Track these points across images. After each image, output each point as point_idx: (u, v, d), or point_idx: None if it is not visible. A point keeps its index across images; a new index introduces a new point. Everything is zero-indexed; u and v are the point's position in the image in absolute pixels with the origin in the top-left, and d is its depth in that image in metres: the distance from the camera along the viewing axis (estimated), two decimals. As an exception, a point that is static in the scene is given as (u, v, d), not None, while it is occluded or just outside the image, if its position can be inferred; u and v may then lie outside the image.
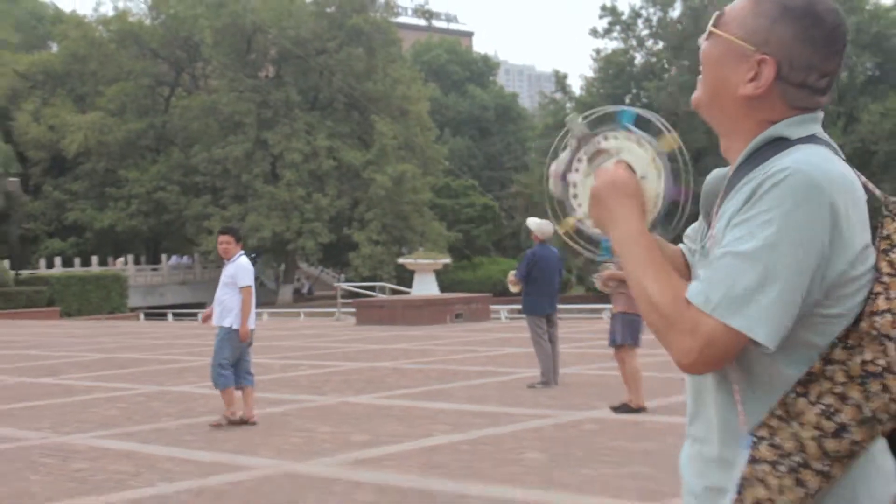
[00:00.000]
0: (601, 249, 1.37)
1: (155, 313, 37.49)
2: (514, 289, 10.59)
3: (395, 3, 48.93)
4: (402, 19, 53.59)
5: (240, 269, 8.73)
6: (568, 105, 47.36)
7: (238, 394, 8.52)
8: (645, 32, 47.59)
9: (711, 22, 1.33)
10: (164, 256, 45.75)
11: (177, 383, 11.24)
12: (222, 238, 9.02)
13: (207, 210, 42.00)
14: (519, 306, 12.26)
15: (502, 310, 25.76)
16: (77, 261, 40.92)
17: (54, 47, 51.48)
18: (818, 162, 1.20)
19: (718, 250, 1.23)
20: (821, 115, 1.31)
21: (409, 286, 27.11)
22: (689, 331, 1.19)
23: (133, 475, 6.44)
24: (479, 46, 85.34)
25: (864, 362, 1.21)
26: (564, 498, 5.70)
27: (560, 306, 11.63)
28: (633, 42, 47.90)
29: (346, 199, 43.85)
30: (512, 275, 10.54)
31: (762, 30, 1.27)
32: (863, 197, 1.24)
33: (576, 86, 50.49)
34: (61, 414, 9.50)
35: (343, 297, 31.00)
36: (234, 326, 8.53)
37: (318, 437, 8.01)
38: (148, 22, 46.68)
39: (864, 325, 1.22)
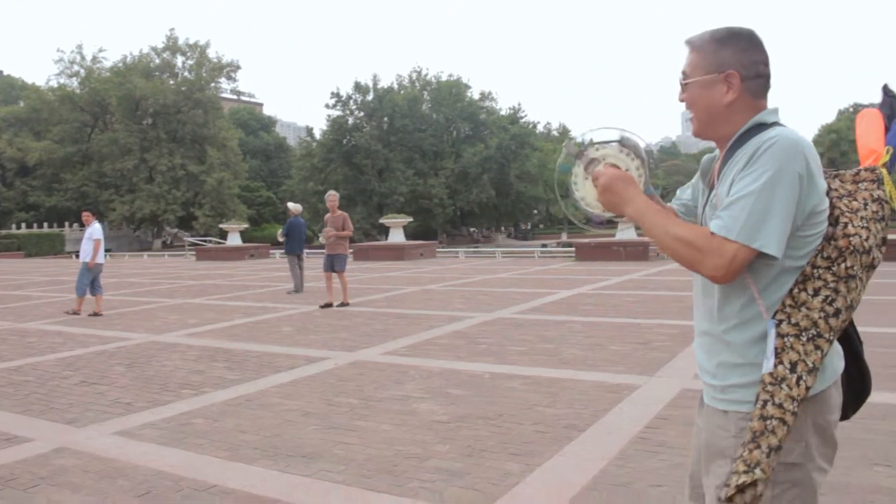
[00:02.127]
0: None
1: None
2: (280, 239, 15.96)
3: (219, 87, 69.54)
4: (224, 95, 72.03)
5: (94, 230, 12.61)
6: (314, 144, 71.75)
7: (92, 298, 12.69)
8: (353, 107, 72.22)
9: (681, 81, 1.89)
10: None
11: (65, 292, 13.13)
12: (85, 213, 13.05)
13: (112, 198, 61.45)
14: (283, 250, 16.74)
15: (277, 253, 32.18)
16: (35, 225, 59.70)
17: (21, 103, 70.16)
18: (792, 132, 1.71)
19: (730, 197, 1.70)
20: (778, 110, 1.81)
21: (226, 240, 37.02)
22: (717, 254, 1.67)
23: (62, 343, 9.02)
24: (267, 110, 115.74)
25: (847, 267, 1.72)
26: (300, 351, 8.07)
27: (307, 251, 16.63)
28: (348, 112, 72.14)
29: (191, 192, 62.81)
30: (279, 232, 16.04)
31: (713, 60, 1.83)
32: (818, 156, 1.71)
33: (318, 133, 75.32)
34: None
35: (189, 245, 47.74)
36: (87, 261, 12.44)
37: (168, 321, 10.97)
38: (79, 91, 65.32)
39: (841, 242, 1.73)
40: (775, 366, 1.70)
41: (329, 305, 12.56)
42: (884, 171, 1.90)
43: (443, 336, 9.30)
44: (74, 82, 67.26)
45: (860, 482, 3.87)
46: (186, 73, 68.00)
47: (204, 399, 6.38)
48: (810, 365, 1.71)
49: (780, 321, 1.73)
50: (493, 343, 8.65)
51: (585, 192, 2.00)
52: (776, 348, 1.71)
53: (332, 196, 13.50)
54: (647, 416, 5.38)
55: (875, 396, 2.11)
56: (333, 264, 12.86)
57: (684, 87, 1.90)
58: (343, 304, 12.58)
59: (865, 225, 1.76)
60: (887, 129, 2.12)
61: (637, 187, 1.88)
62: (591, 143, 1.99)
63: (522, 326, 9.91)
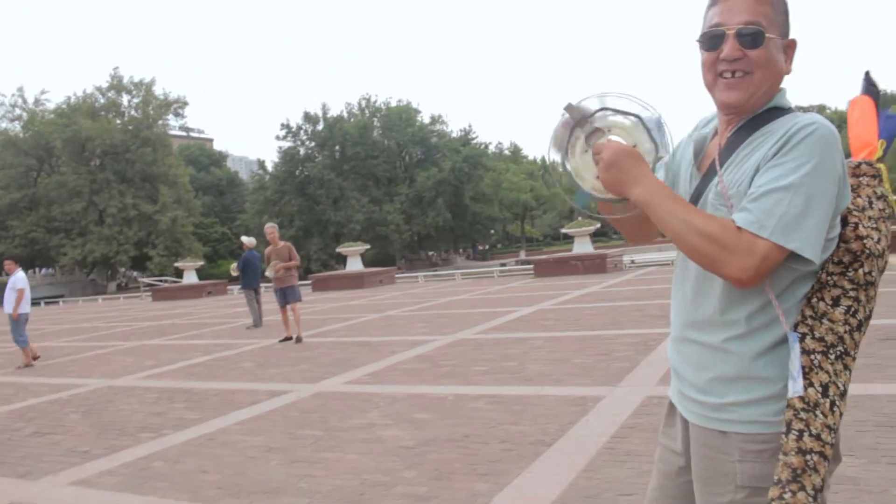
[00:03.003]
0: (622, 210, 1.69)
1: (32, 302, 58.80)
2: (234, 273, 15.73)
3: (167, 124, 68.76)
4: (172, 132, 71.38)
5: (17, 279, 12.06)
6: (267, 177, 71.53)
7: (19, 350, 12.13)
8: (304, 137, 72.04)
9: (757, 37, 1.56)
10: (36, 270, 65.19)
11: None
12: (7, 263, 12.36)
13: (62, 242, 59.98)
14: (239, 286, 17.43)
15: (234, 289, 31.92)
16: None
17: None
18: (826, 121, 1.51)
19: (760, 187, 1.48)
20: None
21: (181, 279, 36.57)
22: (747, 252, 1.44)
23: (13, 394, 8.77)
24: (217, 145, 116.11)
25: (865, 273, 1.55)
26: (261, 385, 7.98)
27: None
28: (299, 142, 71.97)
29: (144, 232, 61.35)
30: (233, 267, 15.78)
31: (784, 22, 1.61)
32: None
33: (270, 166, 74.94)
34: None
35: (144, 287, 45.60)
36: (10, 312, 11.80)
37: (125, 364, 10.81)
38: (22, 135, 64.12)
39: (854, 245, 1.55)
40: (805, 388, 1.50)
41: (288, 339, 12.38)
42: (882, 166, 1.75)
43: (405, 361, 9.23)
44: (17, 126, 66.39)
45: (826, 478, 3.84)
46: (133, 112, 67.22)
47: (164, 441, 6.22)
48: (841, 388, 1.53)
49: (804, 335, 1.53)
50: (456, 365, 8.60)
51: (581, 166, 1.69)
52: (804, 367, 1.51)
53: (271, 228, 13.04)
54: (614, 426, 5.37)
55: None
56: (286, 297, 12.58)
57: (755, 40, 1.58)
58: (297, 339, 12.22)
59: (875, 225, 1.59)
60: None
61: (648, 166, 1.60)
62: (598, 110, 1.67)
63: (484, 346, 9.88)
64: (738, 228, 1.47)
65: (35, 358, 12.12)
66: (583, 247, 25.70)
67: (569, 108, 1.66)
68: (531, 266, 28.09)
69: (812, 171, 1.47)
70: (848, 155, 1.88)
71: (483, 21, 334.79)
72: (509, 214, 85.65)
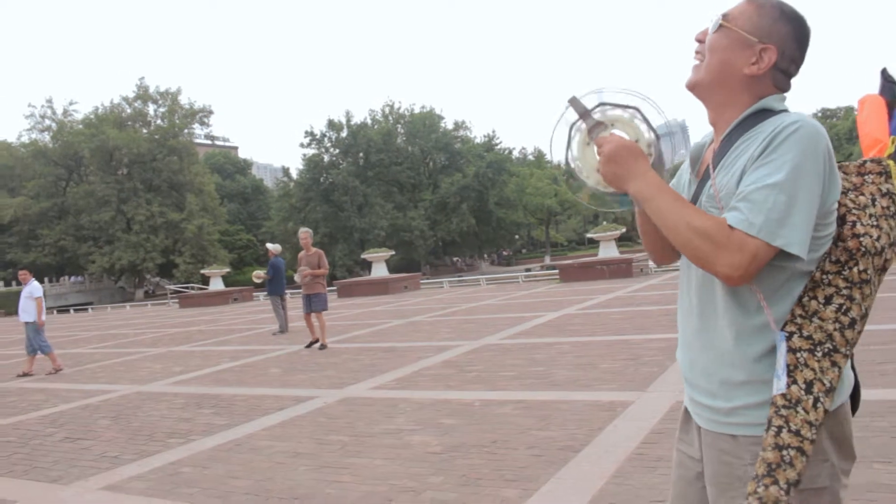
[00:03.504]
0: (620, 203, 1.69)
1: (62, 309, 53.85)
2: (257, 280, 15.72)
3: (193, 133, 69.40)
4: (198, 140, 71.57)
5: (33, 288, 12.32)
6: (292, 184, 71.79)
7: (41, 357, 12.73)
8: (328, 144, 72.16)
9: (718, 19, 1.65)
10: (65, 277, 65.55)
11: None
12: (21, 273, 12.90)
13: (91, 250, 61.46)
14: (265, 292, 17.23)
15: (260, 295, 33.74)
16: (13, 283, 58.11)
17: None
18: (813, 120, 1.53)
19: (747, 186, 1.50)
20: (785, 98, 1.66)
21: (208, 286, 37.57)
22: (737, 249, 1.46)
23: (44, 400, 8.79)
24: (242, 153, 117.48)
25: (860, 271, 1.54)
26: (288, 391, 8.06)
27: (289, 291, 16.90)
28: (323, 149, 72.06)
29: (171, 240, 62.47)
30: (256, 273, 15.78)
31: (766, 26, 1.61)
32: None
33: (294, 173, 75.41)
34: None
35: (171, 293, 48.40)
36: (33, 320, 12.08)
37: (153, 370, 10.92)
38: (51, 145, 65.06)
39: (850, 243, 1.55)
40: (788, 385, 1.52)
41: (314, 342, 12.37)
42: (890, 162, 1.71)
43: (432, 367, 9.21)
44: (46, 136, 67.39)
45: (859, 480, 3.81)
46: (159, 121, 67.99)
47: (192, 447, 6.24)
48: (827, 384, 1.53)
49: (791, 334, 1.55)
50: (482, 370, 8.57)
51: (582, 159, 1.71)
52: (788, 365, 1.53)
53: (304, 233, 13.03)
54: (643, 431, 5.31)
55: (869, 394, 2.06)
56: (312, 304, 12.51)
57: (721, 26, 1.67)
58: (321, 346, 12.14)
59: (875, 223, 1.59)
60: (890, 117, 1.97)
61: (647, 162, 1.62)
62: (602, 104, 1.68)
63: (511, 351, 9.83)
64: (731, 227, 1.49)
65: (57, 370, 12.35)
66: (608, 251, 25.57)
67: (572, 101, 1.67)
68: (556, 271, 27.92)
69: (796, 168, 1.48)
70: (852, 143, 1.83)
71: (508, 27, 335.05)
72: (534, 220, 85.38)
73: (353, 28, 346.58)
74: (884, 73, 2.04)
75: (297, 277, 12.76)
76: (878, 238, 1.57)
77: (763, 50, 1.64)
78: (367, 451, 5.51)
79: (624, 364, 8.05)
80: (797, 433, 1.49)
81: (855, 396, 1.72)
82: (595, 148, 1.67)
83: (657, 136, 1.66)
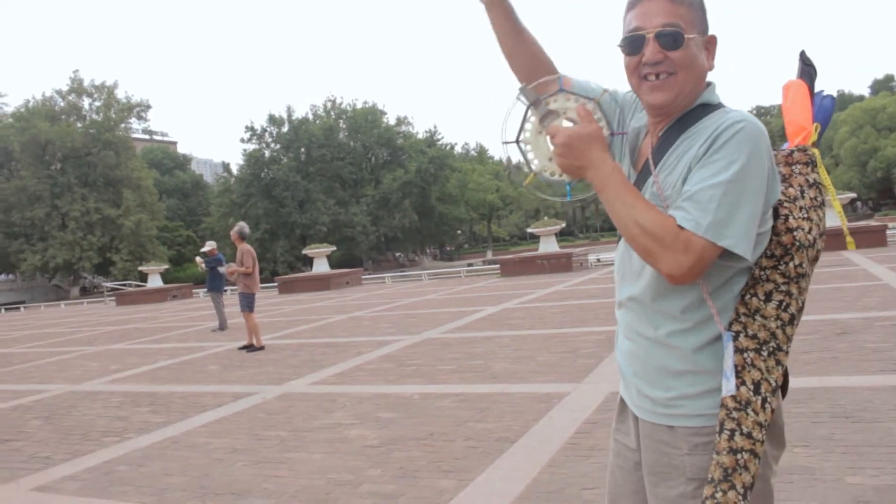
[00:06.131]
0: (567, 194, 1.65)
1: None
2: (201, 268, 15.28)
3: (130, 127, 67.24)
4: (135, 135, 69.81)
5: None
6: (232, 179, 70.53)
7: None
8: (269, 139, 71.56)
9: (677, 38, 1.57)
10: None
11: None
12: None
13: (23, 248, 58.69)
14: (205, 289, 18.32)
15: (200, 292, 33.86)
16: None
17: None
18: (752, 117, 1.52)
19: (694, 186, 1.49)
20: (716, 87, 1.65)
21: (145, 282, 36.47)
22: (682, 249, 1.45)
23: None
24: (181, 148, 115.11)
25: (796, 266, 1.55)
26: (226, 388, 7.98)
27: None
28: (264, 145, 71.30)
29: (108, 237, 60.33)
30: (199, 260, 15.29)
31: (702, 19, 1.62)
32: None
33: (235, 168, 73.95)
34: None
35: (108, 291, 44.52)
36: None
37: (89, 369, 10.62)
38: None
39: (784, 238, 1.55)
40: (737, 387, 1.51)
41: (250, 347, 11.66)
42: (816, 151, 1.72)
43: (371, 361, 9.23)
44: (-26, 128, 64.92)
45: (780, 463, 3.92)
46: (94, 115, 66.16)
47: (127, 445, 6.17)
48: (773, 384, 1.54)
49: (738, 333, 1.54)
50: (422, 364, 8.63)
51: (534, 148, 1.67)
52: (736, 366, 1.52)
53: (232, 231, 12.34)
54: (577, 422, 5.43)
55: (792, 382, 2.13)
56: (248, 303, 11.87)
57: (675, 41, 1.58)
58: (251, 348, 11.52)
59: (806, 215, 1.59)
60: (812, 103, 1.98)
61: (605, 148, 1.57)
62: (553, 93, 1.64)
63: (451, 345, 9.92)
64: (679, 226, 1.48)
65: None
66: (549, 246, 25.86)
67: (523, 90, 1.64)
68: (498, 266, 28.13)
69: (741, 168, 1.47)
70: (784, 141, 1.87)
71: (448, 21, 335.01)
72: (476, 215, 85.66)
73: (294, 22, 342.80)
74: (802, 55, 2.06)
75: (226, 275, 12.55)
76: (810, 231, 1.58)
77: (710, 41, 1.66)
78: (306, 446, 5.53)
79: (561, 356, 8.19)
80: (749, 435, 1.50)
81: (784, 385, 1.72)
82: (548, 137, 1.63)
83: (611, 133, 1.65)
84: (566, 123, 1.64)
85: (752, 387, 1.51)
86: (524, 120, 1.65)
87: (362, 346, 10.80)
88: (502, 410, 6.00)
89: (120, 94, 67.66)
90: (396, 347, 10.20)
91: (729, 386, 1.51)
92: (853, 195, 26.77)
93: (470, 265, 50.76)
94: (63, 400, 8.74)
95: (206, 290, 16.78)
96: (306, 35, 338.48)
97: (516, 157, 1.67)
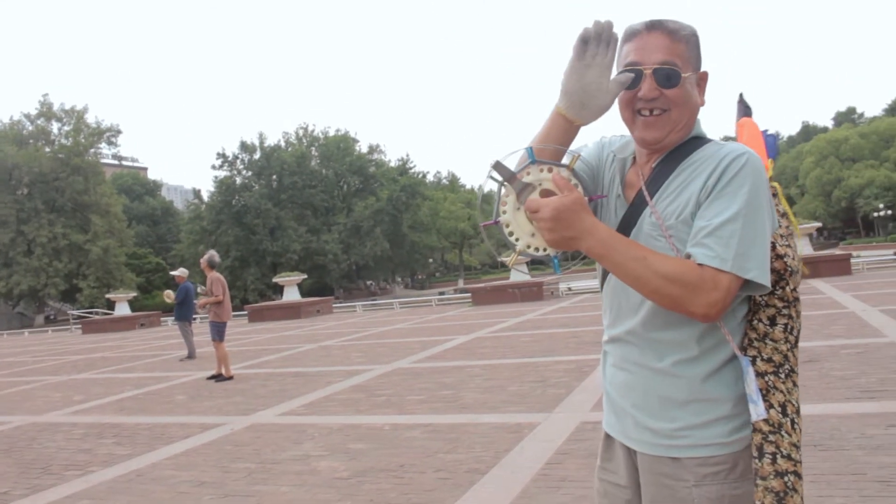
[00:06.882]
0: (554, 267, 1.60)
1: None
2: (168, 300, 15.42)
3: (100, 153, 67.24)
4: (105, 160, 70.06)
5: None
6: (203, 206, 69.63)
7: None
8: (241, 166, 71.61)
9: (673, 77, 1.57)
10: None
11: None
12: None
13: None
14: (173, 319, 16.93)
15: (168, 320, 33.01)
16: None
17: None
18: (751, 149, 1.55)
19: (710, 220, 1.49)
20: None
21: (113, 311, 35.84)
22: (712, 288, 1.44)
23: None
24: (152, 174, 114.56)
25: (791, 290, 1.58)
26: (194, 419, 7.82)
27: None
28: (235, 171, 71.54)
29: (74, 263, 60.12)
30: (170, 293, 15.53)
31: (696, 56, 1.63)
32: None
33: (206, 195, 73.16)
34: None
35: (74, 319, 42.80)
36: None
37: (51, 400, 10.49)
38: None
39: (776, 265, 1.57)
40: (767, 410, 1.51)
41: (219, 376, 11.53)
42: (776, 185, 1.75)
43: (341, 391, 9.15)
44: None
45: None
46: (63, 140, 65.55)
47: (91, 479, 6.03)
48: (796, 405, 1.54)
49: (754, 358, 1.55)
50: (392, 394, 8.57)
51: (514, 224, 1.60)
52: (760, 390, 1.52)
53: (202, 259, 12.14)
54: (548, 452, 5.41)
55: None
56: (219, 332, 11.70)
57: (671, 80, 1.59)
58: (220, 378, 11.37)
59: (786, 242, 1.61)
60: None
61: (591, 213, 1.52)
62: (526, 165, 1.57)
63: (421, 375, 9.86)
64: (700, 265, 1.47)
65: None
66: (520, 275, 25.85)
67: (496, 166, 1.57)
68: (469, 294, 28.10)
69: (751, 200, 1.49)
70: None
71: (422, 50, 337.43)
72: (447, 243, 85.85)
73: (267, 49, 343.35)
74: (741, 98, 2.16)
75: (197, 306, 12.42)
76: (794, 257, 1.60)
77: (703, 77, 1.68)
78: (274, 479, 5.44)
79: (532, 386, 8.17)
80: (789, 457, 1.50)
81: None
82: (524, 212, 1.57)
83: (590, 199, 1.59)
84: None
85: (779, 409, 1.52)
86: (499, 199, 1.59)
87: (332, 375, 10.69)
88: (473, 441, 5.97)
89: (90, 118, 67.85)
90: (367, 377, 10.12)
91: (759, 410, 1.50)
92: (818, 224, 27.33)
93: (441, 293, 50.79)
94: (24, 432, 8.53)
95: (174, 318, 16.55)
96: (279, 62, 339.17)
97: (493, 238, 1.61)
